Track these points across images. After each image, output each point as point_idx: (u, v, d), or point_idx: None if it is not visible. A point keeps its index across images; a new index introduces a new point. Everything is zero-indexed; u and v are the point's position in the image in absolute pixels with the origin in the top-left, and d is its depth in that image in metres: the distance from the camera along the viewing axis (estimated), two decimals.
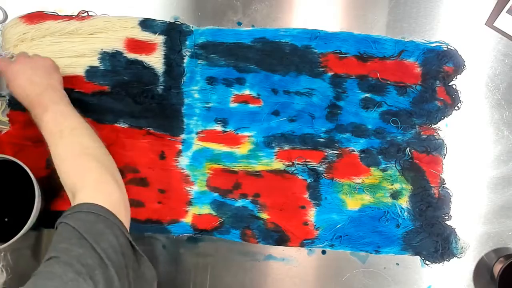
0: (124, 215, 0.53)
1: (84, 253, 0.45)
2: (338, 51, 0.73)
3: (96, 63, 0.73)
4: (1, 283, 0.53)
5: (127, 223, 0.53)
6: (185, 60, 0.74)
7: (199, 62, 0.74)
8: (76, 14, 0.74)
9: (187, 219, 0.73)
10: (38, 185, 0.65)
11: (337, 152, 0.73)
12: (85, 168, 0.56)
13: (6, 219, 0.69)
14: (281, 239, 0.73)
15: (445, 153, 0.73)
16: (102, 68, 0.73)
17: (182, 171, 0.73)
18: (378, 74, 0.73)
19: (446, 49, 0.74)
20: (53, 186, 0.71)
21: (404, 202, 0.73)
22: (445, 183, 0.73)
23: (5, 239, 0.64)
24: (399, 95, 0.73)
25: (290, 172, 0.73)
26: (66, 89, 0.73)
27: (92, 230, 0.48)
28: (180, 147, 0.74)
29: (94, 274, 0.44)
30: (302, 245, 0.73)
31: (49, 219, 0.72)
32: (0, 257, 0.58)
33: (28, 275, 0.56)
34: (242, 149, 0.74)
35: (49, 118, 0.59)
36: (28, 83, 0.62)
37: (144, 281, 0.50)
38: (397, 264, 0.74)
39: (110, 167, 0.59)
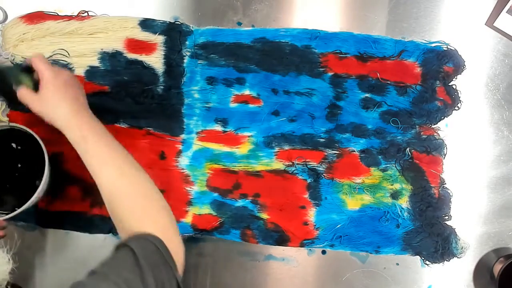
0: (181, 263, 0.54)
1: (133, 279, 0.46)
2: (338, 51, 0.73)
3: (96, 63, 0.73)
4: (8, 272, 0.52)
5: (181, 272, 0.53)
6: (185, 60, 0.74)
7: (199, 62, 0.74)
8: (76, 14, 0.74)
9: (187, 219, 0.73)
10: (48, 155, 0.64)
11: (337, 152, 0.73)
12: (154, 213, 0.56)
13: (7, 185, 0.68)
14: (281, 239, 0.73)
15: (445, 153, 0.73)
16: (102, 68, 0.73)
17: (182, 171, 0.73)
18: (378, 74, 0.73)
19: (446, 49, 0.74)
20: (53, 186, 0.71)
21: (404, 202, 0.73)
22: (445, 183, 0.73)
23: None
24: (399, 95, 0.73)
25: (290, 172, 0.73)
26: None
27: (149, 260, 0.48)
28: (180, 147, 0.74)
29: None
30: (302, 245, 0.73)
31: (48, 219, 0.72)
32: (7, 247, 0.57)
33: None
34: (242, 149, 0.74)
35: (99, 140, 0.57)
36: (64, 102, 0.59)
37: None
38: (397, 264, 0.74)
39: (171, 214, 0.58)
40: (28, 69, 0.62)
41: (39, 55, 0.61)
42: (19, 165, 0.70)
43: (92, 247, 0.73)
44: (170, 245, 0.52)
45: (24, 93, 0.60)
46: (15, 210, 0.62)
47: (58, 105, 0.58)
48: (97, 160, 0.56)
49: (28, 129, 0.65)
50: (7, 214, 0.63)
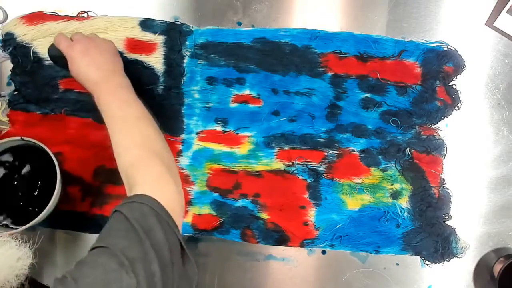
0: (178, 214, 0.53)
1: (130, 246, 0.45)
2: (338, 51, 0.73)
3: None
4: (28, 267, 0.52)
5: (179, 223, 0.53)
6: (185, 60, 0.74)
7: (199, 62, 0.74)
8: (76, 15, 0.74)
9: (187, 219, 0.73)
10: (59, 169, 0.65)
11: (337, 152, 0.73)
12: (147, 161, 0.55)
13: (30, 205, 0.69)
14: (281, 239, 0.73)
15: (445, 153, 0.73)
16: None
17: (182, 171, 0.73)
18: (378, 74, 0.73)
19: (446, 49, 0.73)
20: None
21: (404, 202, 0.73)
22: (445, 183, 0.73)
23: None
24: (399, 95, 0.73)
25: (290, 172, 0.73)
26: (65, 90, 0.73)
27: (143, 222, 0.47)
28: (180, 147, 0.74)
29: (136, 268, 0.44)
30: (302, 245, 0.73)
31: (49, 219, 0.72)
32: (30, 241, 0.56)
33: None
34: (242, 149, 0.74)
35: (113, 103, 0.58)
36: (93, 66, 0.60)
37: (186, 279, 0.50)
38: (397, 264, 0.74)
39: (170, 163, 0.57)
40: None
41: (56, 38, 0.64)
42: (33, 180, 0.70)
43: None
44: (164, 197, 0.51)
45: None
46: (28, 223, 0.64)
47: (81, 72, 0.61)
48: (107, 120, 0.58)
49: (42, 145, 0.65)
50: (18, 227, 0.64)
